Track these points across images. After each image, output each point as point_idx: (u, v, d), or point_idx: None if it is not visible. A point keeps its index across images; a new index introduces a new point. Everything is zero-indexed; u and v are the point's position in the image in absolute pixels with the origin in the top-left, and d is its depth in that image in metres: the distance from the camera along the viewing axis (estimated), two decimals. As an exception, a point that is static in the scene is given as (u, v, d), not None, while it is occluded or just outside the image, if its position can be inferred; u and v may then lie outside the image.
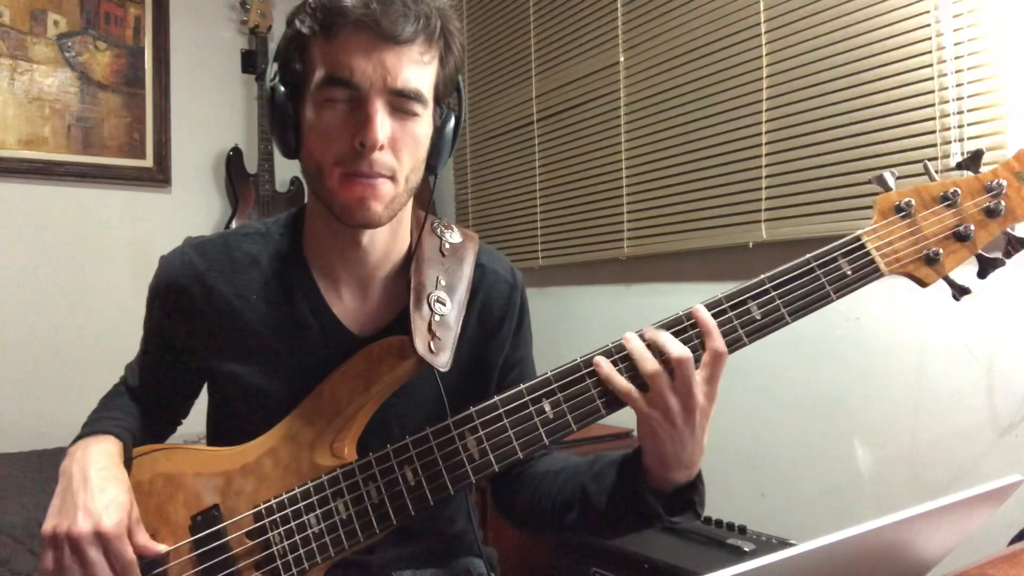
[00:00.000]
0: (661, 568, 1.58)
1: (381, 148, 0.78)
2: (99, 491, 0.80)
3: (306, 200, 0.94)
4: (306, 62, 0.80)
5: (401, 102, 0.79)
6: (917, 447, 1.58)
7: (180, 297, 0.91)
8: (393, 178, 0.81)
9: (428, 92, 0.81)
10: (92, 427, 0.91)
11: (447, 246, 0.93)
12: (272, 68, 0.83)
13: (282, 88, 0.82)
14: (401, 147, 0.80)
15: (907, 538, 0.58)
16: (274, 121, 0.83)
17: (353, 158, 0.78)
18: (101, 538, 0.77)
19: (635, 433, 0.79)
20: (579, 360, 0.80)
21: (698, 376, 0.75)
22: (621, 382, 0.77)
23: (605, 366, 0.78)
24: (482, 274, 0.96)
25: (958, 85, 1.48)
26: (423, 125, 0.82)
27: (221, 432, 0.96)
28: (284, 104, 0.82)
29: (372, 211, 0.80)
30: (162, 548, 0.82)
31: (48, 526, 0.78)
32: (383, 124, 0.77)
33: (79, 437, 0.89)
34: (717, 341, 0.75)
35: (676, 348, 0.75)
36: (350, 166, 0.78)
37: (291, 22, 0.81)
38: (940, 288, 0.83)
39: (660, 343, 0.75)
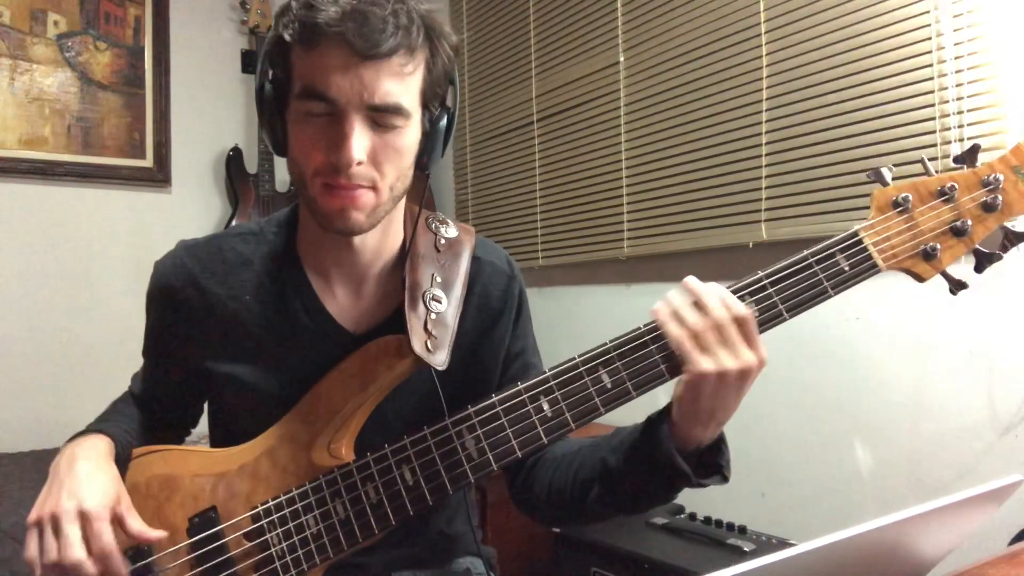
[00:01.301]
0: (661, 568, 1.58)
1: (359, 164, 0.77)
2: (86, 478, 0.79)
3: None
4: (287, 68, 0.80)
5: (380, 117, 0.77)
6: (917, 447, 1.58)
7: (174, 300, 0.91)
8: (374, 188, 0.80)
9: (411, 103, 0.79)
10: (84, 430, 0.91)
11: (442, 241, 0.93)
12: (262, 64, 0.83)
13: (269, 86, 0.81)
14: (382, 159, 0.79)
15: (907, 538, 0.58)
16: (262, 121, 0.83)
17: (332, 170, 0.77)
18: (82, 516, 0.75)
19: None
20: (577, 359, 0.80)
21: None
22: (678, 330, 0.75)
23: (662, 314, 0.76)
24: (479, 268, 0.96)
25: (958, 85, 1.48)
26: (406, 135, 0.81)
27: (221, 433, 0.96)
28: (271, 104, 0.81)
29: (352, 220, 0.80)
30: (157, 534, 0.81)
31: (32, 515, 0.77)
32: (359, 141, 0.76)
33: (69, 440, 0.89)
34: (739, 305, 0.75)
35: (740, 306, 0.74)
36: (329, 178, 0.78)
37: (276, 24, 0.79)
38: (940, 287, 0.83)
39: (728, 303, 0.75)
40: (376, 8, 0.74)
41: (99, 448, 0.85)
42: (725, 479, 0.80)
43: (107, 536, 0.76)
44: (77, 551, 0.74)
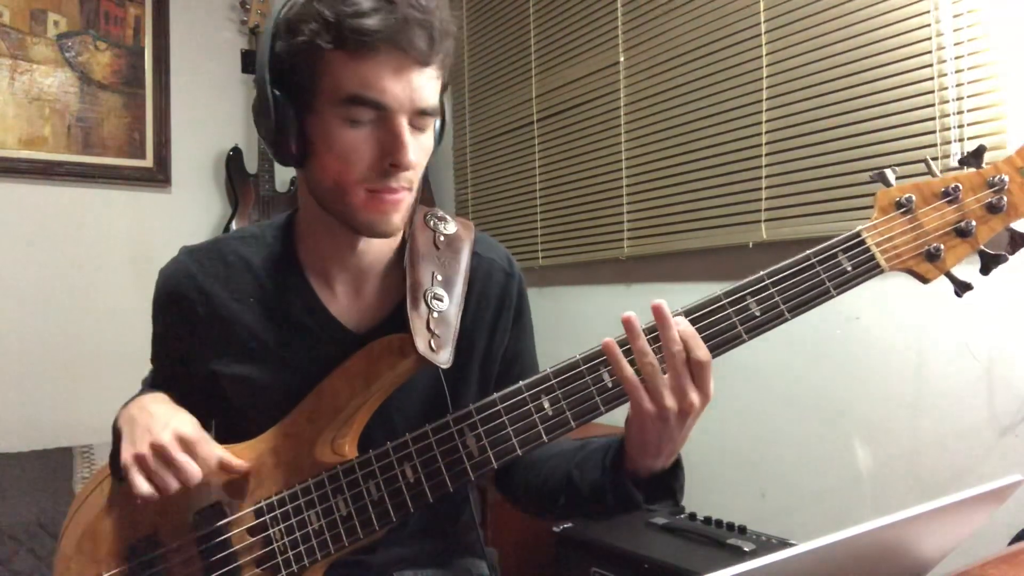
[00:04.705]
0: (661, 568, 1.58)
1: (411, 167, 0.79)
2: (167, 415, 0.83)
3: (299, 206, 0.93)
4: (318, 74, 0.77)
5: (420, 119, 0.80)
6: (917, 447, 1.58)
7: (179, 305, 0.92)
8: (410, 189, 0.83)
9: (438, 106, 0.83)
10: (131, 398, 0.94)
11: (441, 238, 0.93)
12: (263, 70, 0.79)
13: (283, 95, 0.79)
14: (419, 160, 0.82)
15: (907, 538, 0.58)
16: (277, 129, 0.79)
17: (380, 176, 0.79)
18: (184, 442, 0.79)
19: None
20: (578, 357, 0.80)
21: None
22: (628, 371, 0.74)
23: (615, 351, 0.75)
24: (478, 264, 0.96)
25: (958, 85, 1.48)
26: (432, 136, 0.84)
27: (226, 430, 0.96)
28: (285, 112, 0.79)
29: (394, 223, 0.82)
30: (241, 463, 0.83)
31: (127, 453, 0.79)
32: (412, 144, 0.78)
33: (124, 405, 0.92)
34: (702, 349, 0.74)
35: (699, 351, 0.73)
36: (377, 183, 0.79)
37: (296, 30, 0.76)
38: (940, 288, 0.83)
39: (688, 340, 0.73)
40: (420, 14, 0.76)
41: (165, 398, 0.90)
42: (676, 503, 0.83)
43: (217, 451, 0.80)
44: (195, 471, 0.78)
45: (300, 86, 0.79)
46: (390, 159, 0.78)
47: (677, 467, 0.82)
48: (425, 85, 0.78)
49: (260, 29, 2.79)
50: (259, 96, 0.80)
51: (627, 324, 0.74)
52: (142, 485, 0.77)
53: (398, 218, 0.82)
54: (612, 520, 1.88)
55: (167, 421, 0.81)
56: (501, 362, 0.98)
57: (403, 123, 0.77)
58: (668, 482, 0.82)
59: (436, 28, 0.77)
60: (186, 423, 0.82)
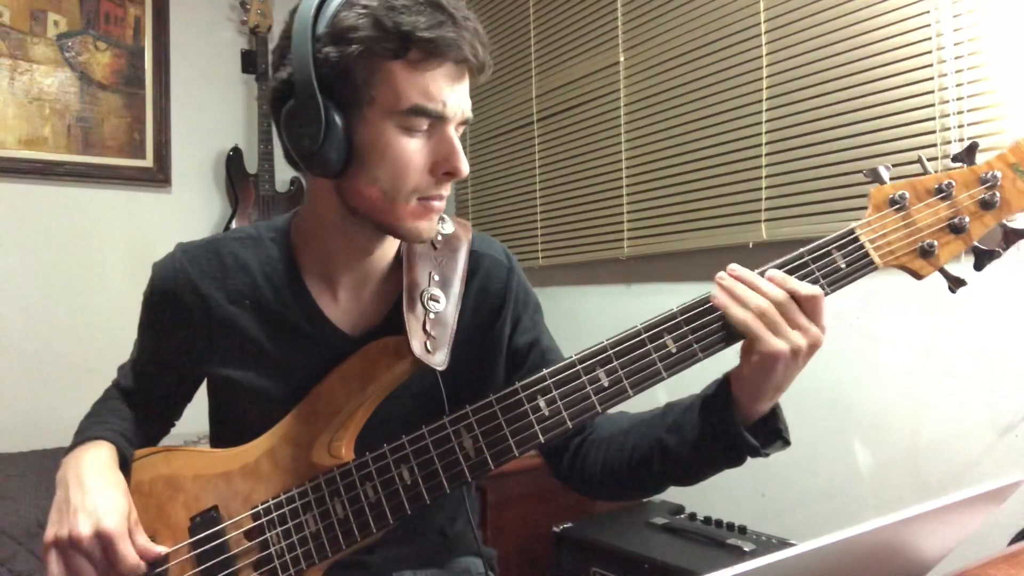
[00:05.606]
0: (661, 568, 1.58)
1: None
2: (96, 494, 0.80)
3: (304, 210, 0.92)
4: (374, 84, 0.75)
5: (460, 127, 0.81)
6: (917, 447, 1.58)
7: (173, 304, 0.90)
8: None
9: None
10: (84, 434, 0.91)
11: (439, 238, 0.93)
12: (308, 77, 0.75)
13: (337, 107, 0.76)
14: None
15: (907, 538, 0.58)
16: (328, 143, 0.76)
17: (434, 184, 0.80)
18: (103, 539, 0.78)
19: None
20: (575, 357, 0.80)
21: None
22: (742, 313, 0.75)
23: (723, 298, 0.77)
24: (477, 261, 0.96)
25: (958, 85, 1.48)
26: None
27: (222, 434, 0.96)
28: (337, 125, 0.76)
29: (435, 228, 0.84)
30: (161, 550, 0.82)
31: (50, 533, 0.79)
32: (463, 152, 0.80)
33: (72, 446, 0.90)
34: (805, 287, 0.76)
35: (805, 288, 0.75)
36: (429, 191, 0.80)
37: (347, 39, 0.74)
38: (941, 287, 0.83)
39: (790, 284, 0.75)
40: (473, 24, 0.77)
41: (103, 458, 0.86)
42: (787, 443, 0.83)
43: (132, 554, 0.79)
44: (117, 571, 0.78)
45: (350, 95, 0.77)
46: (446, 168, 0.79)
47: (777, 407, 0.83)
48: (467, 94, 0.80)
49: (260, 29, 2.80)
50: (302, 104, 0.76)
51: (722, 277, 0.78)
52: (54, 569, 0.78)
53: (436, 223, 0.84)
54: (612, 519, 1.88)
55: (93, 507, 0.79)
56: (518, 356, 0.97)
57: (454, 131, 0.79)
58: (773, 424, 0.82)
59: (481, 33, 0.78)
60: (111, 512, 0.79)
